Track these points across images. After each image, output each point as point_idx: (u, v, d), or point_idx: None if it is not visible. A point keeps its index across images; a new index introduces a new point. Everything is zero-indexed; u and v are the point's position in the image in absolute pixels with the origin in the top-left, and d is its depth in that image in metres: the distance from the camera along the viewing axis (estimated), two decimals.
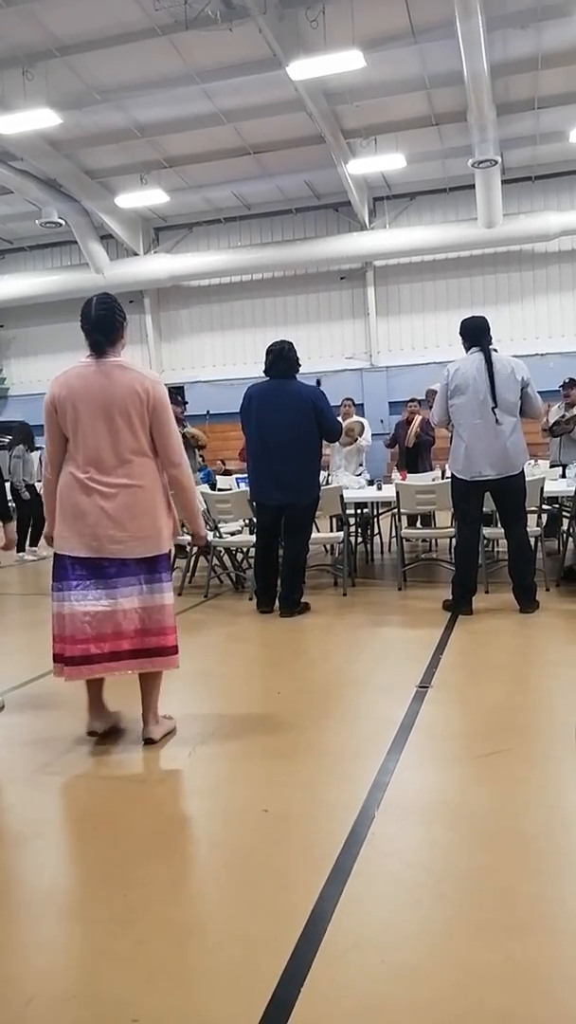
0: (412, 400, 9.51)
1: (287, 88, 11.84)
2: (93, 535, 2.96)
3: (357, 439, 8.39)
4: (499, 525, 5.61)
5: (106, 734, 3.21)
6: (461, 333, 5.24)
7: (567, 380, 7.82)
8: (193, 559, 6.71)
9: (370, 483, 7.69)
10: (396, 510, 6.39)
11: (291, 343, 5.55)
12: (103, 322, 3.06)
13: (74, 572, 2.99)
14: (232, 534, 6.76)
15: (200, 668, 4.35)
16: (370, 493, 7.08)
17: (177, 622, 3.18)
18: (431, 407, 5.58)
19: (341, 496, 6.14)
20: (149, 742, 3.10)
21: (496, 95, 12.25)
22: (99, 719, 3.21)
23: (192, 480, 3.18)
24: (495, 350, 5.10)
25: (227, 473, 11.85)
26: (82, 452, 2.99)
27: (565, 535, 6.84)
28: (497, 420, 4.95)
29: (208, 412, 16.81)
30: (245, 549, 6.63)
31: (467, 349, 5.18)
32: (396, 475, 7.78)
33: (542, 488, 5.88)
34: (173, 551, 3.67)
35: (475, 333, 5.15)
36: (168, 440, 3.06)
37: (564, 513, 7.03)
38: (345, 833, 2.27)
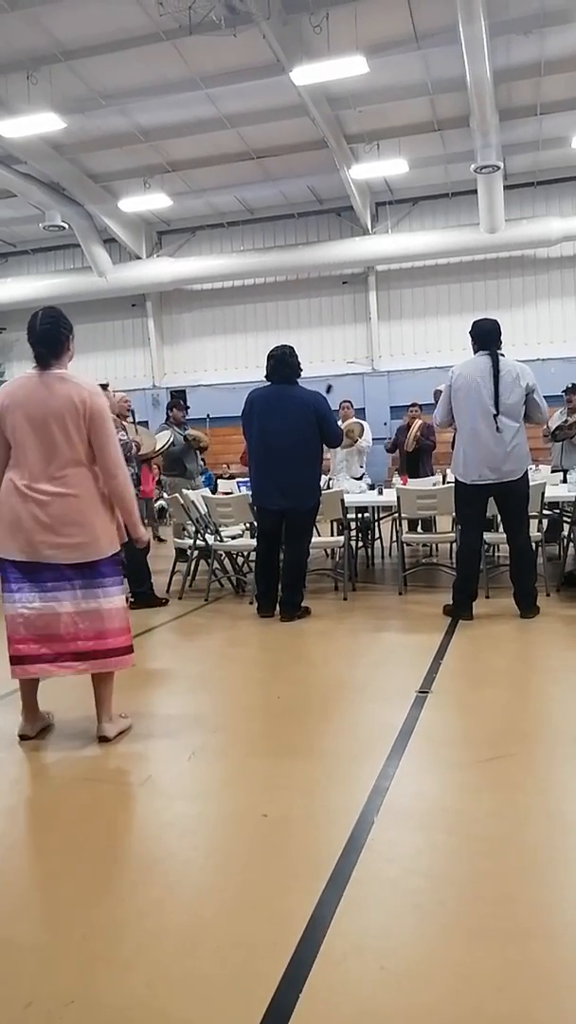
0: (413, 404, 9.52)
1: (290, 93, 11.87)
2: (28, 541, 3.07)
3: (357, 440, 8.38)
4: (500, 530, 5.61)
5: (41, 734, 3.28)
6: (472, 334, 5.21)
7: (570, 385, 7.83)
8: (194, 563, 6.72)
9: (371, 487, 7.69)
10: (397, 514, 6.39)
11: (292, 348, 5.56)
12: (47, 336, 3.14)
13: (12, 575, 3.11)
14: (233, 538, 6.76)
15: (200, 672, 4.36)
16: (371, 497, 7.08)
17: (124, 624, 3.23)
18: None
19: (342, 500, 6.14)
20: (103, 739, 3.18)
21: (499, 101, 12.28)
22: (31, 722, 3.27)
23: (130, 488, 3.27)
24: (502, 355, 5.09)
25: (230, 477, 11.87)
26: (21, 460, 3.09)
27: (566, 540, 6.84)
28: (498, 426, 4.95)
29: (208, 416, 16.83)
30: (246, 553, 6.64)
31: (475, 351, 5.18)
32: (397, 479, 7.79)
33: (543, 493, 5.88)
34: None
35: (486, 337, 5.13)
36: (105, 451, 3.13)
37: (565, 518, 7.02)
38: (344, 838, 2.27)
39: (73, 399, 3.06)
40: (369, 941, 1.82)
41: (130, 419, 6.85)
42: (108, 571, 3.18)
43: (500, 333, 5.14)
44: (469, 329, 5.24)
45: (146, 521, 11.23)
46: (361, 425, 8.56)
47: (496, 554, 7.06)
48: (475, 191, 15.01)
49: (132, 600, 6.03)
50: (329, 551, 7.31)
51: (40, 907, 2.02)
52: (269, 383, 5.53)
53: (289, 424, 5.33)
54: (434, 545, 8.27)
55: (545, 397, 5.18)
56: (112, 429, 3.17)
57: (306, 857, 2.21)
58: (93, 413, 3.08)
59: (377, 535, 8.29)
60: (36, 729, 3.27)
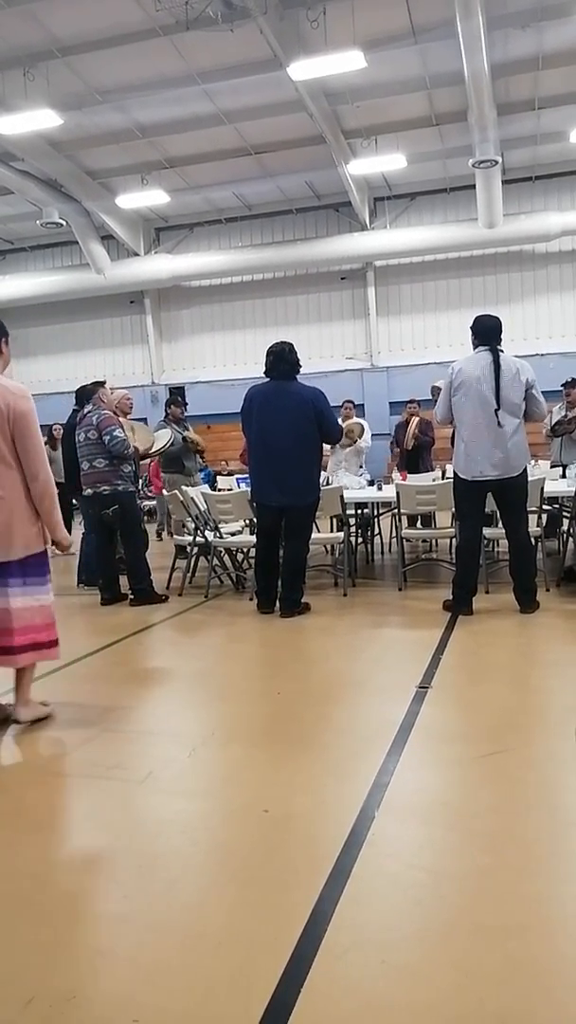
0: (412, 401, 9.52)
1: (288, 88, 11.85)
2: None
3: (357, 440, 8.40)
4: (500, 525, 5.60)
5: None
6: (473, 329, 5.19)
7: (569, 380, 7.83)
8: (194, 559, 6.72)
9: (370, 483, 7.69)
10: (396, 510, 6.39)
11: (291, 344, 5.55)
12: None
13: None
14: (232, 534, 6.76)
15: (200, 668, 4.36)
16: (370, 493, 7.08)
17: (31, 623, 3.28)
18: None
19: (341, 496, 6.14)
20: (15, 722, 3.28)
21: (497, 95, 12.25)
22: None
23: (53, 492, 3.31)
24: (502, 351, 5.08)
25: (228, 474, 11.87)
26: None
27: (565, 535, 6.84)
28: (499, 421, 4.94)
29: (209, 415, 16.83)
30: (246, 550, 6.63)
31: (475, 346, 5.16)
32: (396, 475, 7.78)
33: (542, 488, 5.88)
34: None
35: (487, 333, 5.11)
36: (28, 453, 3.19)
37: (564, 513, 7.03)
38: (345, 834, 2.27)
39: None
40: (370, 936, 1.82)
41: (130, 416, 6.84)
42: (15, 572, 3.22)
43: (501, 330, 5.13)
44: (471, 325, 5.23)
45: (162, 519, 11.24)
46: (361, 425, 8.60)
47: (496, 549, 7.06)
48: (473, 186, 14.99)
49: (132, 596, 6.04)
50: (329, 547, 7.31)
51: (41, 904, 2.02)
52: (268, 379, 5.52)
53: (288, 421, 5.33)
54: (433, 541, 8.27)
55: (544, 392, 5.17)
56: (37, 431, 3.23)
57: (307, 853, 2.21)
58: (17, 416, 3.14)
59: (377, 531, 8.29)
60: None
